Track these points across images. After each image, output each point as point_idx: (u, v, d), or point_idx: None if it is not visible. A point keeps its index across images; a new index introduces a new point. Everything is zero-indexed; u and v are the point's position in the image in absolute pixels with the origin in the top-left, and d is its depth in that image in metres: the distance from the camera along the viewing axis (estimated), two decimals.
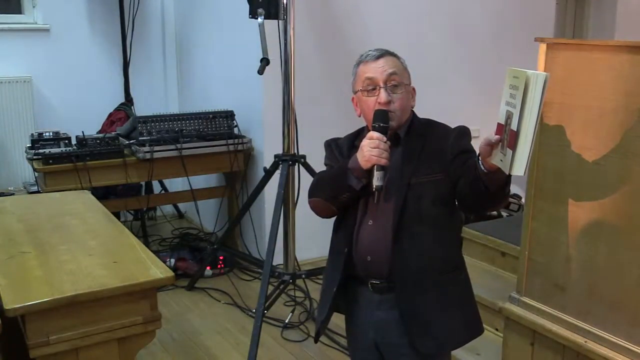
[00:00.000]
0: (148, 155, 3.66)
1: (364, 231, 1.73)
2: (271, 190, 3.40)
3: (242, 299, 3.54)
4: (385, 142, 1.64)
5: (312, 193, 1.81)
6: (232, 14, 4.06)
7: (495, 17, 4.59)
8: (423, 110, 1.85)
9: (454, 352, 2.07)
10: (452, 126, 1.78)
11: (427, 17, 4.28)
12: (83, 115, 4.29)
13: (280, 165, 3.23)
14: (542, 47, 2.15)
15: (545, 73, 1.34)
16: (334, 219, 1.84)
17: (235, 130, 4.03)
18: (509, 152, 1.38)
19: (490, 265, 3.10)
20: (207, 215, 4.40)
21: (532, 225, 2.27)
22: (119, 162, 3.63)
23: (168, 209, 4.99)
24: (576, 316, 2.13)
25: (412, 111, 1.80)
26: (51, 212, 2.57)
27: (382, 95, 1.69)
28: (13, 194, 3.92)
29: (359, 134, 1.83)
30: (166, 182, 4.63)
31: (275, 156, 3.29)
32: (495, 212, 3.80)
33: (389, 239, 1.68)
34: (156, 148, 3.70)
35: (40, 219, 2.47)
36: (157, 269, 1.94)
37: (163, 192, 4.66)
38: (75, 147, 3.63)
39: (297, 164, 3.28)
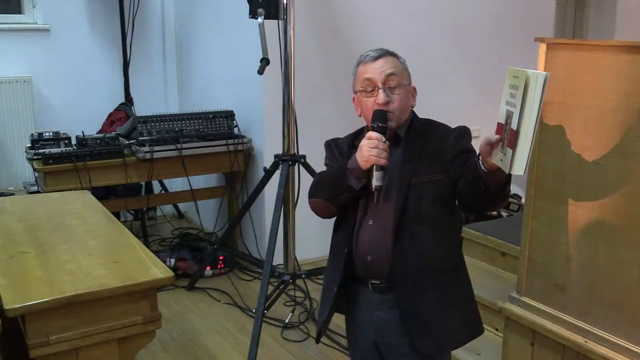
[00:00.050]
0: (148, 155, 3.66)
1: (364, 231, 1.73)
2: (271, 190, 3.40)
3: (242, 299, 3.54)
4: (384, 142, 1.64)
5: (312, 193, 1.81)
6: (232, 14, 4.06)
7: (495, 17, 4.59)
8: (423, 110, 1.85)
9: (454, 352, 2.07)
10: (452, 126, 1.78)
11: (427, 17, 4.28)
12: (83, 115, 4.29)
13: (280, 165, 3.23)
14: (542, 47, 2.15)
15: (545, 72, 1.34)
16: (334, 219, 1.84)
17: (235, 130, 4.03)
18: (509, 151, 1.38)
19: (490, 265, 3.10)
20: (207, 215, 4.40)
21: (532, 225, 2.27)
22: (119, 162, 3.64)
23: (168, 209, 4.99)
24: (576, 316, 2.13)
25: (413, 111, 1.80)
26: (51, 212, 2.57)
27: (380, 96, 1.69)
28: (13, 194, 3.92)
29: (359, 134, 1.83)
30: (166, 182, 4.63)
31: (275, 156, 3.29)
32: (495, 212, 3.80)
33: (390, 239, 1.68)
34: (156, 148, 3.69)
35: (40, 219, 2.47)
36: (157, 269, 1.94)
37: (163, 192, 4.66)
38: (75, 147, 3.63)
39: (297, 164, 3.28)
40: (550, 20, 4.92)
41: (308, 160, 3.28)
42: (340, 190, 1.71)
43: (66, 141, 3.68)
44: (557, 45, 2.15)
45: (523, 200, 2.66)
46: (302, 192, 3.27)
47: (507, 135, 1.40)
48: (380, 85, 1.70)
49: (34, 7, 4.37)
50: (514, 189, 3.00)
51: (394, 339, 1.74)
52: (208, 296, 3.62)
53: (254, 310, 3.10)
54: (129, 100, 4.57)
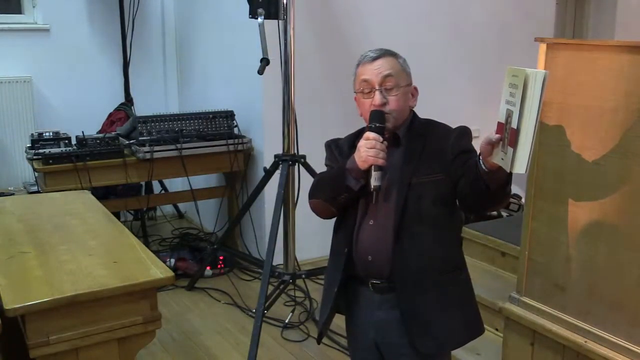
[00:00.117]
0: (148, 155, 3.66)
1: (364, 231, 1.73)
2: (271, 190, 3.40)
3: (242, 299, 3.54)
4: (381, 142, 1.64)
5: (311, 194, 1.81)
6: (232, 14, 4.06)
7: (495, 17, 4.60)
8: (423, 110, 1.85)
9: (454, 352, 2.07)
10: (453, 126, 1.78)
11: (427, 17, 4.28)
12: (83, 115, 4.28)
13: (280, 165, 3.23)
14: (542, 47, 2.15)
15: (544, 71, 1.35)
16: (334, 219, 1.84)
17: (235, 130, 4.03)
18: (510, 150, 1.38)
19: (490, 265, 3.10)
20: (207, 215, 4.40)
21: (532, 225, 2.27)
22: (119, 162, 3.64)
23: (168, 209, 4.99)
24: (576, 316, 2.13)
25: (413, 111, 1.80)
26: (51, 212, 2.57)
27: (377, 98, 1.70)
28: (13, 194, 3.92)
29: (360, 134, 1.82)
30: (166, 182, 4.63)
31: (275, 156, 3.29)
32: (495, 212, 3.80)
33: (390, 239, 1.68)
34: (156, 148, 3.69)
35: (40, 219, 2.47)
36: (157, 269, 1.94)
37: (163, 192, 4.66)
38: (75, 147, 3.63)
39: (297, 164, 3.28)
40: (550, 20, 4.92)
41: (308, 160, 3.28)
42: (339, 191, 1.71)
43: (66, 141, 3.68)
44: (557, 45, 2.15)
45: (523, 200, 2.66)
46: (302, 192, 3.27)
47: (508, 135, 1.40)
48: (376, 87, 1.70)
49: (34, 7, 4.38)
50: (514, 189, 3.00)
51: (394, 339, 1.74)
52: (208, 296, 3.62)
53: (254, 310, 3.10)
54: (129, 100, 4.57)
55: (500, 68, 1.67)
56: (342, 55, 3.87)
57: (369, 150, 1.63)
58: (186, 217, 4.97)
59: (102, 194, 3.82)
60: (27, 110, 4.27)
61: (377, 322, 1.77)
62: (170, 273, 1.94)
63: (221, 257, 3.87)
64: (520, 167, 1.37)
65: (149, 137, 3.72)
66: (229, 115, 3.99)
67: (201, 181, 4.31)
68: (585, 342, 2.08)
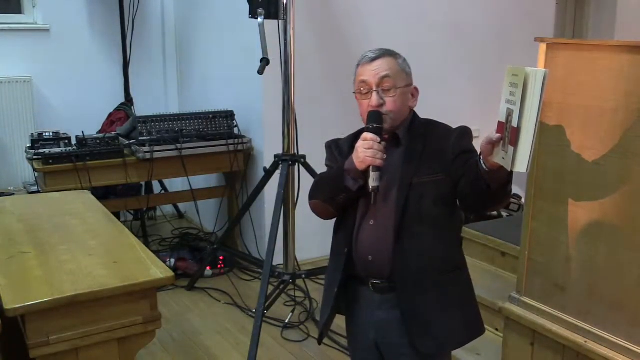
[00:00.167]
0: (148, 155, 3.66)
1: (365, 231, 1.73)
2: (271, 190, 3.40)
3: (242, 299, 3.54)
4: (379, 142, 1.65)
5: (311, 195, 1.82)
6: (232, 14, 4.06)
7: (495, 17, 4.60)
8: (423, 110, 1.85)
9: (454, 352, 2.07)
10: (453, 126, 1.78)
11: (427, 17, 4.28)
12: (83, 115, 4.29)
13: (280, 165, 3.23)
14: (542, 47, 2.15)
15: (544, 69, 1.35)
16: (334, 219, 1.85)
17: (235, 130, 4.03)
18: (511, 149, 1.39)
19: (490, 265, 3.10)
20: (207, 215, 4.40)
21: (532, 225, 2.27)
22: (119, 162, 3.64)
23: (168, 209, 4.99)
24: (576, 316, 2.13)
25: (414, 111, 1.80)
26: (51, 212, 2.57)
27: (373, 99, 1.70)
28: (13, 194, 3.92)
29: (360, 134, 1.83)
30: (166, 182, 4.63)
31: (275, 156, 3.29)
32: (495, 212, 3.80)
33: (391, 239, 1.68)
34: (156, 148, 3.69)
35: (40, 219, 2.47)
36: (157, 269, 1.94)
37: (163, 192, 4.66)
38: (75, 147, 3.63)
39: (297, 164, 3.28)
40: (550, 20, 4.92)
41: (308, 160, 3.28)
42: (337, 192, 1.72)
43: (66, 141, 3.68)
44: (557, 45, 2.15)
45: (523, 200, 2.66)
46: (302, 192, 3.27)
47: (508, 134, 1.41)
48: (374, 88, 1.70)
49: (34, 7, 4.37)
50: (514, 189, 3.00)
51: (395, 339, 1.74)
52: (208, 296, 3.62)
53: (254, 310, 3.10)
54: (129, 100, 4.57)
55: (500, 68, 1.67)
56: (342, 55, 3.88)
57: (366, 151, 1.63)
58: (186, 217, 4.97)
59: (102, 194, 3.82)
60: (27, 110, 4.27)
61: (377, 322, 1.77)
62: (170, 273, 1.94)
63: (221, 257, 3.87)
64: (521, 165, 1.37)
65: (149, 137, 3.72)
66: (229, 115, 3.99)
67: (201, 181, 4.31)
68: (585, 342, 2.08)
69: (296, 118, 3.27)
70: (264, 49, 3.00)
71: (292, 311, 3.38)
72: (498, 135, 1.44)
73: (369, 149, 1.63)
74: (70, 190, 3.11)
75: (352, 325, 1.87)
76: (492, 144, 1.45)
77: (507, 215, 3.91)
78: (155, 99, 4.77)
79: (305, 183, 3.21)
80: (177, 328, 3.24)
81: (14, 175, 4.29)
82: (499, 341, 2.55)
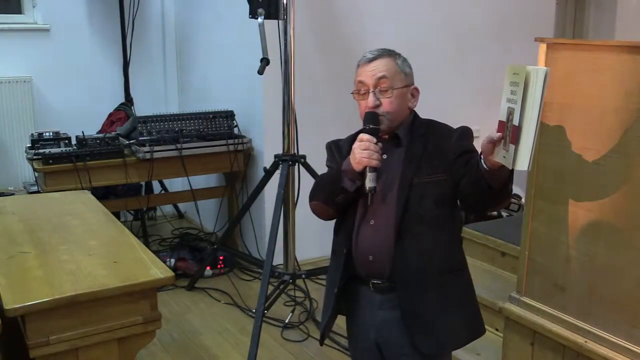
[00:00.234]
0: (148, 155, 3.66)
1: (365, 231, 1.73)
2: (271, 190, 3.40)
3: (242, 299, 3.54)
4: (375, 143, 1.65)
5: (311, 196, 1.82)
6: (232, 14, 4.06)
7: (495, 17, 4.59)
8: (423, 110, 1.85)
9: (454, 352, 2.07)
10: (453, 126, 1.78)
11: (426, 17, 4.28)
12: (83, 115, 4.28)
13: (280, 165, 3.23)
14: (542, 47, 2.15)
15: (545, 68, 1.35)
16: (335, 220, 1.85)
17: (235, 130, 4.03)
18: (512, 147, 1.39)
19: (490, 265, 3.10)
20: (207, 215, 4.40)
21: (532, 225, 2.27)
22: (119, 162, 3.63)
23: (168, 209, 4.99)
24: (576, 316, 2.13)
25: (414, 111, 1.80)
26: (51, 212, 2.57)
27: (370, 99, 1.71)
28: (13, 194, 3.92)
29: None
30: (166, 182, 4.62)
31: (275, 156, 3.29)
32: (495, 212, 3.80)
33: (391, 239, 1.68)
34: (156, 148, 3.69)
35: (40, 219, 2.47)
36: (157, 269, 1.94)
37: (163, 192, 4.66)
38: (75, 147, 3.63)
39: (297, 164, 3.28)
40: (550, 20, 4.91)
41: (308, 160, 3.28)
42: (336, 192, 1.72)
43: (66, 141, 3.68)
44: (557, 45, 2.15)
45: (523, 200, 2.66)
46: (302, 192, 3.27)
47: (510, 132, 1.41)
48: (371, 89, 1.71)
49: (34, 7, 4.37)
50: (514, 189, 3.00)
51: (395, 339, 1.74)
52: (208, 296, 3.62)
53: (254, 310, 3.10)
54: (129, 100, 4.57)
55: (500, 68, 1.67)
56: (342, 55, 3.87)
57: (362, 152, 1.64)
58: (186, 217, 4.97)
59: (102, 194, 3.82)
60: (27, 110, 4.27)
61: (377, 322, 1.77)
62: (170, 273, 1.93)
63: (221, 257, 3.87)
64: (523, 164, 1.37)
65: (149, 137, 3.72)
66: (229, 115, 3.99)
67: (201, 181, 4.31)
68: (585, 342, 2.08)
69: (296, 118, 3.27)
70: (264, 49, 3.00)
71: (292, 311, 3.38)
72: (499, 134, 1.44)
73: (365, 149, 1.64)
74: (70, 190, 3.11)
75: (352, 325, 1.87)
76: (492, 143, 1.45)
77: (507, 215, 3.91)
78: (155, 99, 4.77)
79: (305, 183, 3.21)
80: (177, 328, 3.24)
81: (14, 175, 4.29)
82: (499, 341, 2.55)
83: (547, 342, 2.23)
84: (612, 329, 2.02)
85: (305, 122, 3.42)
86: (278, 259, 3.45)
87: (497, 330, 2.70)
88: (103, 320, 1.83)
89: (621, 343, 1.98)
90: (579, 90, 2.06)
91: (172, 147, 3.74)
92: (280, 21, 3.17)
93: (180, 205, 4.96)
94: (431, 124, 1.80)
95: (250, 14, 3.08)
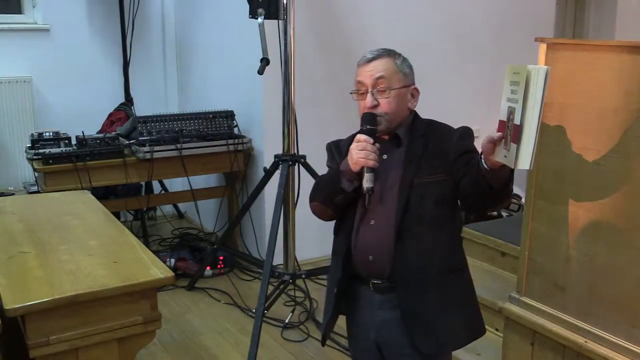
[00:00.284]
0: (148, 155, 3.66)
1: (365, 231, 1.73)
2: (271, 190, 3.40)
3: (242, 299, 3.54)
4: (372, 144, 1.65)
5: (311, 197, 1.83)
6: (232, 14, 4.06)
7: (495, 17, 4.59)
8: (423, 110, 1.85)
9: (454, 352, 2.07)
10: (453, 126, 1.78)
11: (427, 17, 4.28)
12: (83, 115, 4.28)
13: (280, 165, 3.23)
14: (542, 47, 2.15)
15: (546, 66, 1.36)
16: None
17: (235, 130, 4.03)
18: (513, 146, 1.39)
19: (490, 265, 3.10)
20: (207, 215, 4.40)
21: (532, 225, 2.27)
22: (119, 162, 3.63)
23: (168, 209, 4.99)
24: (576, 316, 2.13)
25: (415, 111, 1.80)
26: (51, 212, 2.57)
27: (367, 100, 1.71)
28: (13, 194, 3.92)
29: None
30: (166, 182, 4.62)
31: (275, 156, 3.29)
32: (495, 212, 3.80)
33: (391, 239, 1.68)
34: (156, 148, 3.69)
35: (40, 219, 2.47)
36: (157, 269, 1.94)
37: (163, 192, 4.66)
38: (75, 147, 3.63)
39: (297, 164, 3.28)
40: (550, 20, 4.91)
41: (308, 160, 3.28)
42: (334, 193, 1.73)
43: (66, 141, 3.68)
44: (557, 45, 2.15)
45: (523, 200, 2.66)
46: (302, 192, 3.27)
47: (510, 132, 1.41)
48: (369, 89, 1.71)
49: (34, 7, 4.37)
50: (514, 189, 3.00)
51: (395, 339, 1.74)
52: (208, 296, 3.62)
53: (254, 310, 3.10)
54: (129, 100, 4.57)
55: (500, 68, 1.67)
56: (342, 55, 3.88)
57: (359, 153, 1.64)
58: (186, 217, 4.97)
59: (102, 194, 3.82)
60: (27, 110, 4.27)
61: (377, 322, 1.77)
62: (170, 273, 1.93)
63: (221, 257, 3.87)
64: (524, 162, 1.37)
65: (149, 137, 3.72)
66: (229, 115, 3.99)
67: (201, 181, 4.31)
68: (585, 342, 2.08)
69: (296, 118, 3.27)
70: (264, 49, 3.00)
71: (292, 311, 3.38)
72: (499, 133, 1.44)
73: (361, 150, 1.64)
74: (70, 190, 3.11)
75: (352, 325, 1.87)
76: (493, 143, 1.45)
77: (507, 215, 3.91)
78: (155, 99, 4.77)
79: (305, 183, 3.21)
80: (177, 328, 3.24)
81: (14, 175, 4.29)
82: (499, 341, 2.55)
83: (547, 342, 2.23)
84: (612, 329, 2.02)
85: (305, 122, 3.42)
86: (278, 259, 3.45)
87: (497, 330, 2.70)
88: (103, 320, 1.83)
89: (621, 343, 1.98)
90: (579, 90, 2.06)
91: (172, 147, 3.74)
92: (280, 21, 3.17)
93: (180, 205, 4.96)
94: (432, 124, 1.80)
95: (250, 14, 3.08)
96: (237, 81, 4.12)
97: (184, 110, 4.35)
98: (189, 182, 4.03)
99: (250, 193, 3.66)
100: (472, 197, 1.63)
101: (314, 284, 3.65)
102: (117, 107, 4.47)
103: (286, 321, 3.26)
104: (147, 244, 4.03)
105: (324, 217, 1.83)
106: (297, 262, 3.51)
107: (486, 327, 1.86)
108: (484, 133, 1.55)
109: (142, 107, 4.52)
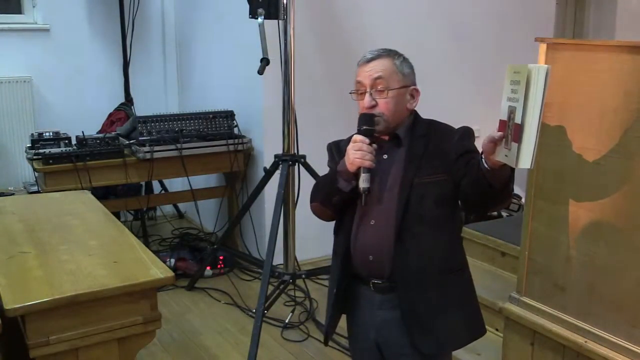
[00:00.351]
0: (148, 155, 3.66)
1: (366, 231, 1.73)
2: (271, 190, 3.40)
3: (242, 299, 3.54)
4: (369, 144, 1.65)
5: (311, 197, 1.84)
6: (232, 14, 4.06)
7: (495, 17, 4.59)
8: (423, 110, 1.85)
9: (454, 352, 2.07)
10: (453, 126, 1.78)
11: (427, 17, 4.28)
12: (83, 115, 4.29)
13: (280, 165, 3.23)
14: (542, 47, 2.15)
15: (546, 65, 1.36)
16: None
17: (235, 130, 4.03)
18: (514, 146, 1.39)
19: (490, 265, 3.11)
20: (207, 215, 4.40)
21: (532, 225, 2.27)
22: (119, 162, 3.63)
23: (168, 209, 4.99)
24: (576, 316, 2.13)
25: (415, 111, 1.80)
26: (51, 212, 2.57)
27: (365, 100, 1.71)
28: (13, 194, 3.92)
29: None
30: (166, 182, 4.62)
31: (275, 156, 3.28)
32: (495, 212, 3.80)
33: (391, 239, 1.68)
34: (156, 148, 3.69)
35: (40, 219, 2.47)
36: (157, 269, 1.94)
37: (163, 192, 4.66)
38: (75, 147, 3.63)
39: (297, 164, 3.28)
40: (550, 20, 4.91)
41: (308, 160, 3.28)
42: (332, 193, 1.73)
43: (66, 141, 3.68)
44: (557, 45, 2.15)
45: (523, 200, 2.66)
46: (302, 192, 3.27)
47: (511, 131, 1.41)
48: (367, 89, 1.71)
49: (34, 7, 4.37)
50: (514, 189, 3.00)
51: (395, 339, 1.74)
52: (208, 296, 3.62)
53: (254, 310, 3.10)
54: (129, 100, 4.57)
55: (500, 68, 1.67)
56: (342, 55, 3.87)
57: (355, 153, 1.65)
58: (186, 217, 4.97)
59: (102, 194, 3.82)
60: (27, 110, 4.27)
61: (377, 322, 1.77)
62: (170, 273, 1.93)
63: (221, 257, 3.87)
64: (526, 162, 1.38)
65: (149, 137, 3.72)
66: (229, 115, 3.99)
67: (201, 181, 4.31)
68: (585, 342, 2.08)
69: (296, 118, 3.27)
70: (264, 49, 2.99)
71: (292, 311, 3.38)
72: (500, 133, 1.44)
73: (357, 150, 1.65)
74: (70, 190, 3.11)
75: (352, 325, 1.87)
76: (494, 143, 1.45)
77: (507, 215, 3.91)
78: (155, 99, 4.77)
79: (305, 183, 3.21)
80: (177, 328, 3.24)
81: (14, 175, 4.29)
82: (499, 341, 2.55)
83: (547, 342, 2.23)
84: (612, 329, 2.02)
85: (305, 122, 3.42)
86: (278, 259, 3.45)
87: (497, 330, 2.70)
88: (103, 320, 1.83)
89: (621, 343, 1.98)
90: (578, 90, 2.06)
91: (172, 147, 3.74)
92: (280, 21, 3.17)
93: (180, 205, 4.96)
94: (432, 124, 1.80)
95: (250, 14, 3.08)
96: (237, 81, 4.12)
97: (184, 110, 4.35)
98: (189, 182, 4.03)
99: (250, 193, 3.66)
100: (472, 197, 1.63)
101: (314, 284, 3.65)
102: (117, 107, 4.47)
103: (286, 321, 3.26)
104: (147, 244, 4.03)
105: (324, 217, 1.83)
106: (297, 262, 3.51)
107: (486, 327, 1.85)
108: (484, 133, 1.55)
109: (142, 107, 4.52)
